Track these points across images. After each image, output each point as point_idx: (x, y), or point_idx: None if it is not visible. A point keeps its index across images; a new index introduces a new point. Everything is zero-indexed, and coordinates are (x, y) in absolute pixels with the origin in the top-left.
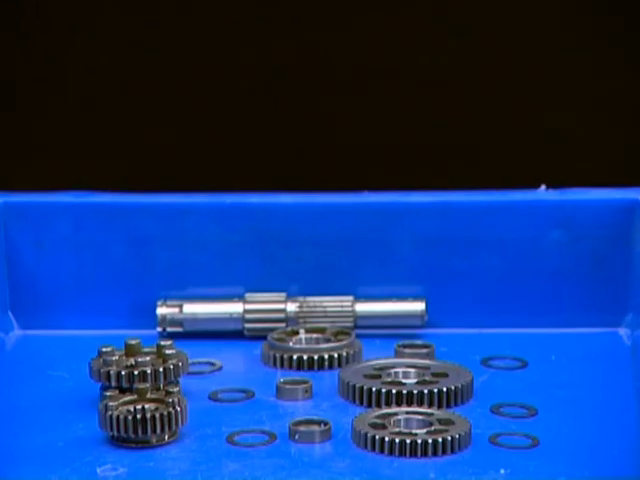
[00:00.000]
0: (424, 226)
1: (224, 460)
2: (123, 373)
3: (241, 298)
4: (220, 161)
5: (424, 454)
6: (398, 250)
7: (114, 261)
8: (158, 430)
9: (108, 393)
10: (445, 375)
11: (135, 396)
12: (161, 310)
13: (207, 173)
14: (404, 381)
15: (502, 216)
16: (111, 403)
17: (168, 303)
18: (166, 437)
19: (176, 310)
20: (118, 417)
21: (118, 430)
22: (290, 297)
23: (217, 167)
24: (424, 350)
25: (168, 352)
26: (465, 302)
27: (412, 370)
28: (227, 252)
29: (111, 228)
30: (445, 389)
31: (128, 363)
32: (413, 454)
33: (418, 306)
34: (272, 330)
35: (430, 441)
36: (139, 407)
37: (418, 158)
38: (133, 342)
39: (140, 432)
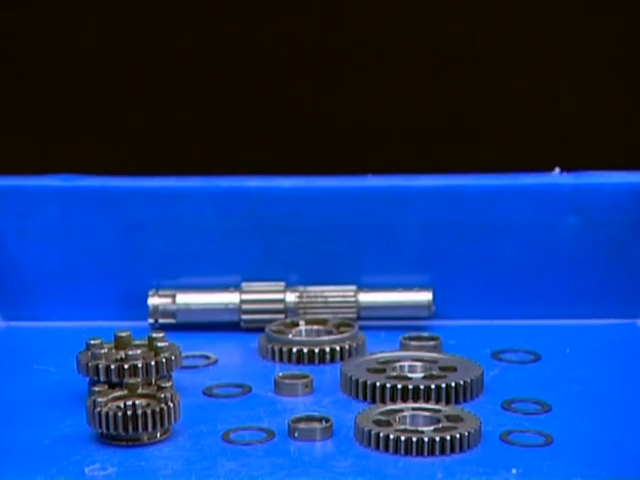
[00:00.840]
0: (431, 211)
1: (219, 459)
2: (112, 367)
3: (237, 288)
4: (216, 143)
5: (431, 453)
6: (404, 237)
7: (103, 249)
8: (150, 427)
9: (97, 388)
10: (453, 369)
11: (125, 391)
12: (153, 300)
13: (202, 155)
14: (410, 375)
15: (514, 201)
16: (100, 399)
17: (160, 293)
18: (158, 435)
19: (169, 300)
20: (107, 414)
21: (107, 427)
22: (289, 286)
23: (213, 149)
24: (431, 343)
25: (160, 345)
26: (475, 292)
27: (418, 364)
28: (223, 239)
29: (100, 214)
30: (453, 384)
31: (118, 356)
32: (419, 453)
33: (425, 296)
34: (270, 321)
35: (438, 439)
36: (129, 403)
37: (425, 140)
38: (123, 334)
39: (131, 429)
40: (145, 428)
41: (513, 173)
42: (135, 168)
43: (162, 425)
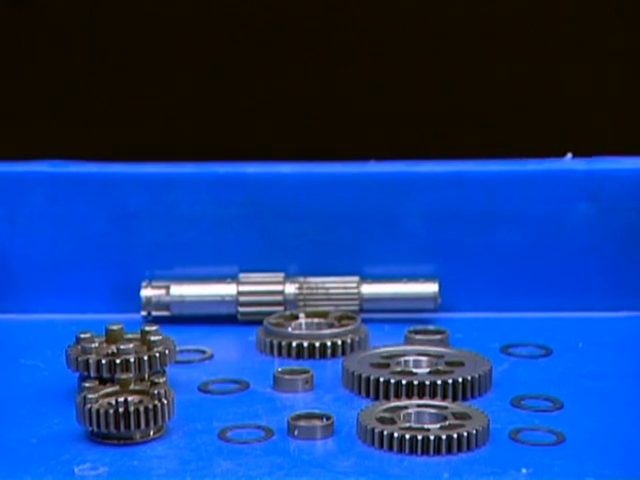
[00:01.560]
0: (437, 199)
1: (215, 458)
2: (103, 362)
3: (234, 279)
4: (212, 127)
5: (437, 452)
6: (408, 226)
7: (93, 238)
8: (142, 425)
9: (87, 384)
10: (461, 364)
11: (117, 387)
12: (146, 292)
13: (198, 140)
14: (415, 371)
15: (524, 188)
16: (90, 395)
17: (153, 284)
18: (151, 433)
19: (162, 292)
20: (98, 411)
21: (98, 425)
22: (289, 277)
23: (209, 134)
24: (437, 336)
25: (153, 339)
26: (483, 283)
27: (424, 359)
28: (219, 228)
29: (90, 201)
30: (461, 380)
31: (109, 351)
32: (425, 452)
33: (430, 288)
34: (268, 314)
35: (444, 437)
36: (121, 400)
37: (430, 125)
38: (115, 327)
39: (122, 427)
40: (138, 426)
41: (523, 159)
42: (127, 154)
43: (155, 423)
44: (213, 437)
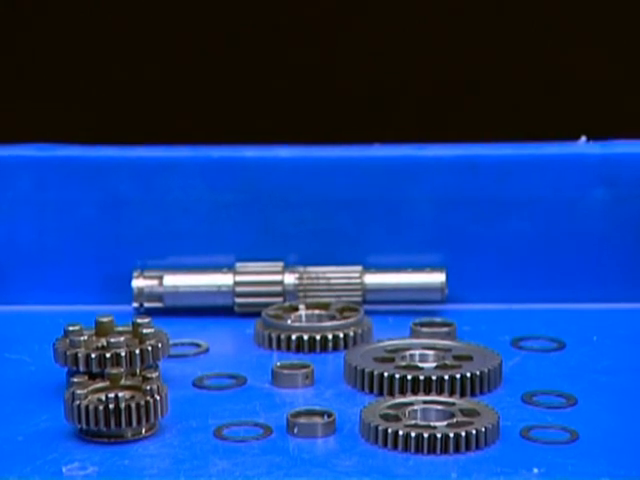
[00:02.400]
0: (444, 185)
1: (211, 457)
2: (93, 356)
3: (231, 268)
4: (208, 109)
5: (444, 451)
6: (414, 213)
7: (83, 226)
8: (134, 422)
9: (76, 379)
10: (469, 358)
11: (107, 383)
12: (137, 282)
13: (192, 123)
14: (421, 365)
15: (536, 173)
16: (79, 391)
17: (146, 274)
18: (143, 431)
19: (155, 282)
20: (87, 407)
21: (87, 422)
22: (288, 267)
23: (204, 116)
24: (444, 329)
25: (145, 331)
26: (492, 273)
27: (430, 352)
28: (215, 215)
29: (79, 187)
30: (469, 375)
31: (99, 344)
32: (432, 451)
33: (437, 278)
34: (267, 305)
35: (452, 435)
36: (112, 396)
37: (437, 107)
38: (105, 320)
39: (113, 425)
40: (129, 423)
41: (534, 142)
42: (118, 137)
43: (148, 420)
44: (208, 435)
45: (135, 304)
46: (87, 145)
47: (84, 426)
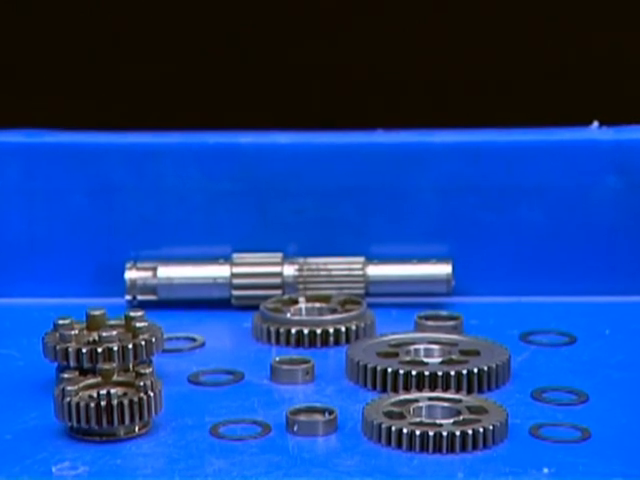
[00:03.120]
0: (450, 172)
1: (207, 456)
2: (84, 351)
3: (228, 259)
4: (204, 93)
5: (451, 450)
6: (419, 201)
7: (73, 215)
8: (127, 420)
9: (66, 375)
10: (476, 353)
11: (99, 379)
12: (130, 274)
13: (187, 108)
14: (426, 360)
15: (546, 160)
16: (69, 387)
17: (139, 266)
18: (136, 429)
19: (148, 274)
20: (78, 404)
21: (78, 420)
22: (287, 258)
23: (199, 101)
24: (450, 323)
25: (139, 325)
26: (500, 264)
27: (436, 347)
28: (211, 204)
29: (70, 175)
30: (476, 370)
31: (90, 338)
32: (437, 449)
33: (443, 269)
34: (265, 298)
35: (458, 434)
36: (103, 392)
37: (444, 91)
38: (96, 313)
39: (105, 422)
40: (122, 421)
41: (544, 128)
42: (110, 122)
43: (141, 418)
44: (204, 433)
45: (128, 297)
46: (78, 131)
47: (75, 424)
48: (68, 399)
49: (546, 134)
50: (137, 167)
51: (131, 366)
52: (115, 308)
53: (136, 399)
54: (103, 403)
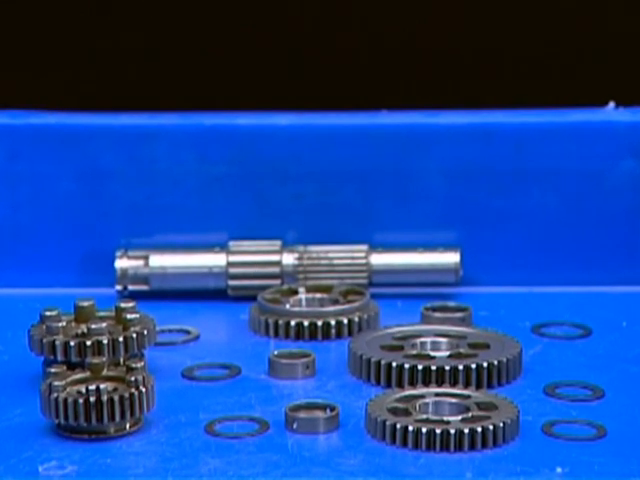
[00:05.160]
0: (458, 155)
1: (202, 455)
2: (72, 344)
3: (224, 248)
4: (199, 72)
5: (459, 448)
6: (425, 186)
7: (60, 200)
8: (117, 417)
9: (53, 370)
10: (486, 346)
11: (87, 373)
12: (121, 263)
13: (182, 87)
14: (433, 354)
15: (559, 142)
16: (57, 382)
17: (130, 254)
18: (127, 426)
19: (140, 263)
20: (66, 400)
21: (66, 417)
22: (286, 246)
23: (195, 80)
24: (458, 314)
25: (130, 317)
26: (511, 253)
27: (443, 340)
28: (206, 189)
29: (57, 158)
30: (486, 365)
31: (78, 331)
32: (444, 448)
33: (451, 258)
34: (263, 288)
35: (467, 431)
36: (92, 387)
37: (450, 69)
38: (85, 304)
39: (94, 419)
40: (112, 418)
41: (558, 108)
42: (99, 103)
43: (132, 414)
44: (199, 431)
45: (118, 287)
46: (65, 112)
47: (62, 421)
48: (55, 395)
49: (559, 115)
50: (128, 150)
51: (122, 360)
52: (105, 299)
53: (127, 395)
54: (92, 399)
